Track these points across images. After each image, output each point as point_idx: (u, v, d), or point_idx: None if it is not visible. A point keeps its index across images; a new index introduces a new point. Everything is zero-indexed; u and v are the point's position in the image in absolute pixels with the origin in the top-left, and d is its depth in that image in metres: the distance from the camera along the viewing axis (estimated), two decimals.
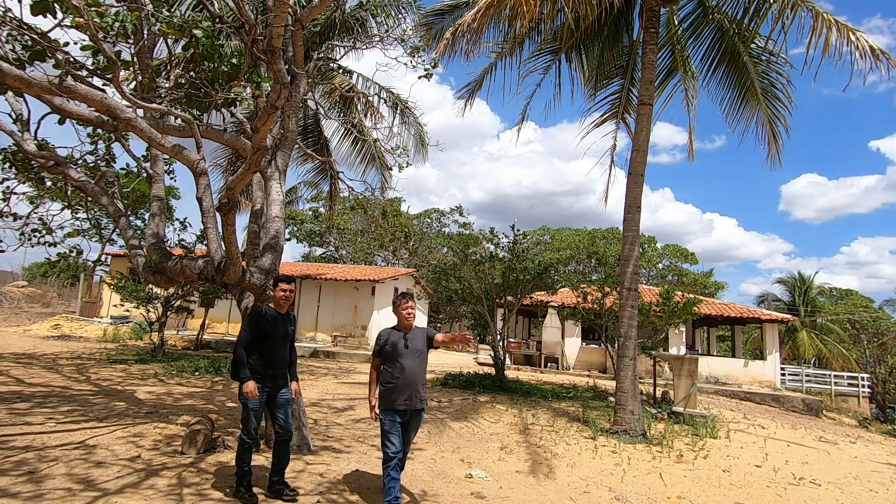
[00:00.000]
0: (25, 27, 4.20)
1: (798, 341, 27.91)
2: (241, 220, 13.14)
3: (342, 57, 10.44)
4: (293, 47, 5.95)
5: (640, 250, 9.38)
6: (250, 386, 3.98)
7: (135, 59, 5.04)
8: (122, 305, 16.15)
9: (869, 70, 7.26)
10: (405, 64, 7.13)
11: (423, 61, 7.12)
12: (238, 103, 4.95)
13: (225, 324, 20.32)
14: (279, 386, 4.24)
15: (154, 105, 4.58)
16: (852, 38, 7.31)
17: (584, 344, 20.61)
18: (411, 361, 4.07)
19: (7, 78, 3.89)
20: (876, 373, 25.87)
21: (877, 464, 8.18)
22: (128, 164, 8.86)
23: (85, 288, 22.92)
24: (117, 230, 7.53)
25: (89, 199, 7.33)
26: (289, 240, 36.78)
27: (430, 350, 4.25)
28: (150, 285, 11.33)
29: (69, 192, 7.78)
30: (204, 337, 16.01)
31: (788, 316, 21.11)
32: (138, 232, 6.92)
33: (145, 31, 4.66)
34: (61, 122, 4.86)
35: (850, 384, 22.22)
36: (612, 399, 9.96)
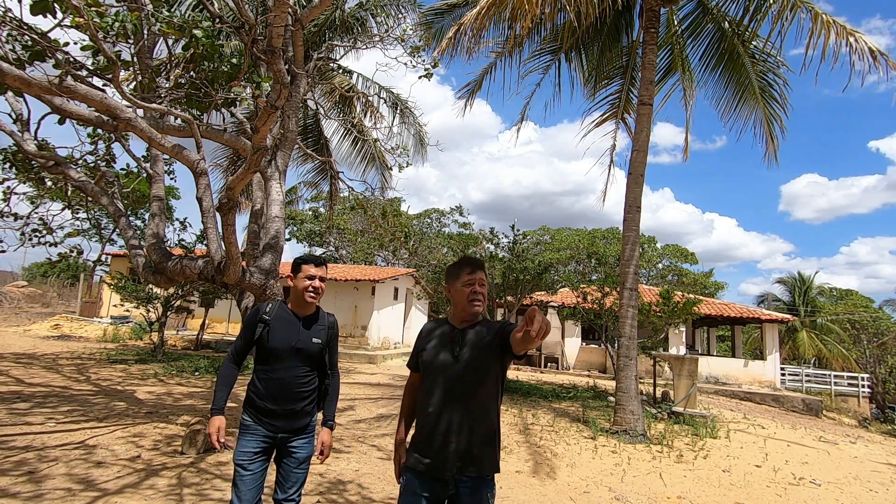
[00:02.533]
0: (25, 27, 4.20)
1: (798, 341, 27.91)
2: (241, 220, 13.14)
3: (342, 57, 10.45)
4: (293, 47, 5.95)
5: (641, 250, 9.39)
6: (214, 425, 2.54)
7: (135, 59, 5.04)
8: (122, 305, 16.14)
9: (868, 71, 7.28)
10: (405, 64, 7.15)
11: (424, 61, 7.13)
12: (238, 103, 4.95)
13: (225, 324, 20.32)
14: (291, 432, 2.63)
15: (154, 105, 4.58)
16: (851, 39, 7.31)
17: (584, 344, 20.62)
18: (458, 382, 2.16)
19: (7, 78, 3.89)
20: (876, 373, 25.87)
21: (877, 464, 8.18)
22: (128, 164, 8.86)
23: (85, 288, 22.92)
24: (117, 230, 7.53)
25: (89, 199, 7.34)
26: (289, 240, 36.79)
27: (508, 358, 2.20)
28: (150, 285, 11.33)
29: (69, 192, 7.79)
30: (204, 337, 16.01)
31: (788, 316, 21.12)
32: (138, 232, 6.93)
33: (145, 31, 4.67)
34: (61, 122, 4.87)
35: (850, 384, 22.22)
36: (612, 399, 9.97)
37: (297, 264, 2.76)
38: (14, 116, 6.57)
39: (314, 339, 2.70)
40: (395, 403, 8.96)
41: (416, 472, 2.20)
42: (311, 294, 2.70)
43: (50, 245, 8.24)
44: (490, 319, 2.35)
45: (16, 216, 7.88)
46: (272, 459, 2.67)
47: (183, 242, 12.86)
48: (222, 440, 2.57)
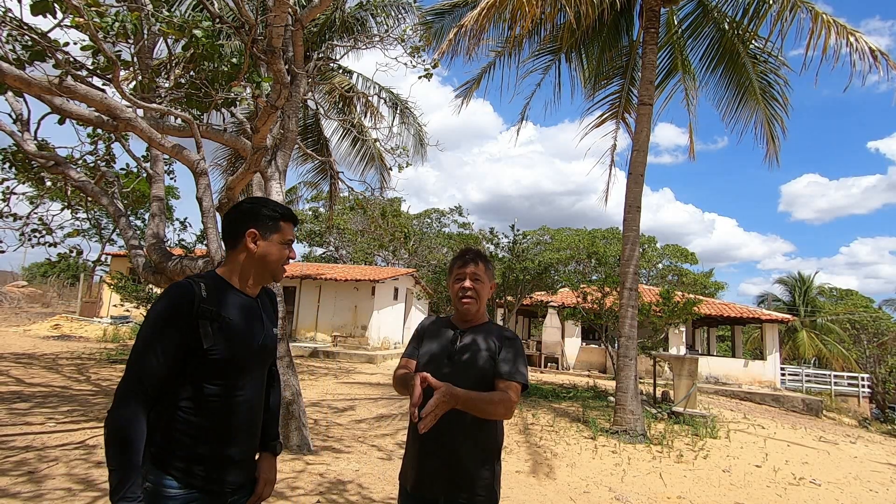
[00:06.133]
0: (25, 27, 4.20)
1: (798, 341, 27.90)
2: None
3: (342, 57, 10.46)
4: (293, 47, 5.96)
5: (641, 250, 9.40)
6: None
7: (135, 59, 5.05)
8: (122, 305, 16.15)
9: (868, 71, 7.28)
10: (405, 64, 7.16)
11: (424, 61, 7.15)
12: (238, 103, 4.95)
13: None
14: (242, 487, 1.64)
15: (154, 105, 4.59)
16: (851, 39, 7.31)
17: (583, 344, 20.62)
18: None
19: (7, 78, 3.89)
20: (876, 373, 25.86)
21: (877, 464, 8.18)
22: (128, 164, 8.86)
23: (85, 288, 22.91)
24: (117, 230, 7.54)
25: (89, 199, 7.34)
26: None
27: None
28: (150, 285, 11.33)
29: (69, 192, 7.79)
30: None
31: (788, 316, 21.11)
32: (138, 232, 6.94)
33: (145, 31, 4.67)
34: (61, 122, 4.87)
35: (850, 384, 22.21)
36: (612, 399, 9.96)
37: (274, 218, 1.65)
38: (14, 116, 6.58)
39: (274, 330, 1.75)
40: (395, 403, 8.96)
41: (405, 489, 1.94)
42: (284, 270, 1.73)
43: (50, 245, 8.24)
44: (498, 325, 2.05)
45: (16, 216, 7.88)
46: None
47: (183, 242, 12.85)
48: None
